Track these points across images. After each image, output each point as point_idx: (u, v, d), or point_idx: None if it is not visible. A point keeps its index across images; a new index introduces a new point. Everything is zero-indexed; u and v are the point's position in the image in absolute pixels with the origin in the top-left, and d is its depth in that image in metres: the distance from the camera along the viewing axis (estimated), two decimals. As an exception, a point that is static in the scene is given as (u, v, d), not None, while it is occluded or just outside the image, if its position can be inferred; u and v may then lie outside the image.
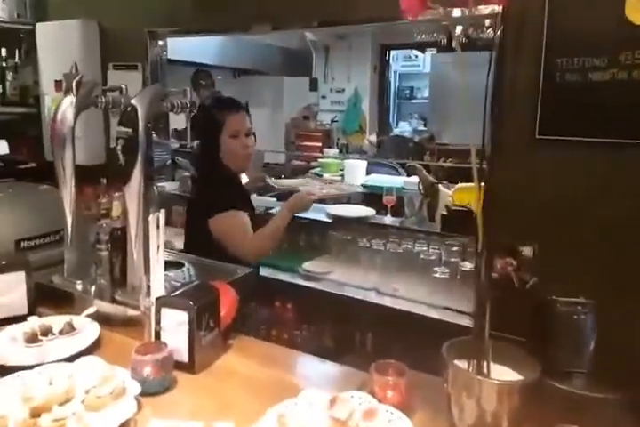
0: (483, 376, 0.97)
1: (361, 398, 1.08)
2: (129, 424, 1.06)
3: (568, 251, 1.83)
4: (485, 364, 0.99)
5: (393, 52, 6.46)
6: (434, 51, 5.77)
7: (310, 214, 2.64)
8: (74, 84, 1.45)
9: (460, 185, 2.79)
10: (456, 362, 0.99)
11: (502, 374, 1.00)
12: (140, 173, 1.38)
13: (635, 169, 1.74)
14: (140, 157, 1.37)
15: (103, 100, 1.52)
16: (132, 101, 1.36)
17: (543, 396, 0.96)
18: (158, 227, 1.33)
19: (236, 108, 2.15)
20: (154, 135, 2.69)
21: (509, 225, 1.66)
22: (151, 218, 1.33)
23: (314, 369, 1.30)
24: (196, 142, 2.17)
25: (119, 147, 1.41)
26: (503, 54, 1.89)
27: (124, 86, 1.52)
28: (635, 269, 1.74)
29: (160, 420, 1.04)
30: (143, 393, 1.14)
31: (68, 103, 1.47)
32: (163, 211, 1.34)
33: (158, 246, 1.33)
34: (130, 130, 1.38)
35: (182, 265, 1.77)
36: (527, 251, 1.95)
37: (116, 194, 1.49)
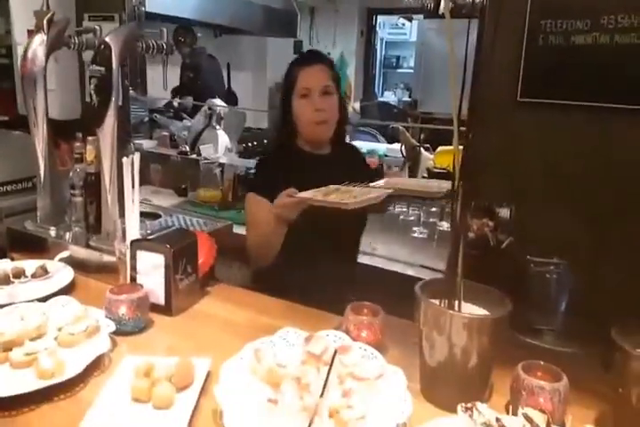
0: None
1: (336, 336, 1.09)
2: (103, 361, 1.07)
3: (544, 213, 1.85)
4: (457, 302, 1.00)
5: (380, 19, 6.37)
6: (421, 18, 5.69)
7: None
8: (45, 21, 1.39)
9: (440, 148, 2.80)
10: (426, 298, 1.00)
11: (473, 312, 1.01)
12: (113, 115, 1.35)
13: (614, 133, 1.74)
14: (113, 98, 1.33)
15: (76, 40, 1.47)
16: (106, 39, 1.32)
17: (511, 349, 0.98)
18: (133, 170, 1.31)
19: (312, 59, 1.66)
20: (131, 91, 2.64)
21: (488, 187, 1.68)
22: (125, 161, 1.30)
23: (292, 313, 1.30)
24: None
25: (92, 87, 1.37)
26: (487, 16, 1.87)
27: (97, 27, 1.47)
28: (607, 232, 1.77)
29: (135, 356, 1.04)
30: (118, 333, 1.14)
31: (39, 41, 1.42)
32: (138, 153, 1.31)
33: (133, 190, 1.31)
34: (103, 69, 1.33)
35: (159, 216, 1.75)
36: (504, 212, 1.97)
37: (90, 138, 1.46)
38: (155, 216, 1.73)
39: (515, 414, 0.86)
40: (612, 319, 1.11)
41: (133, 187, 1.30)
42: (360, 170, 1.74)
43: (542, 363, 0.98)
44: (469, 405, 0.90)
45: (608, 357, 0.92)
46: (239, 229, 2.45)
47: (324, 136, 1.64)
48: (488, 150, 1.85)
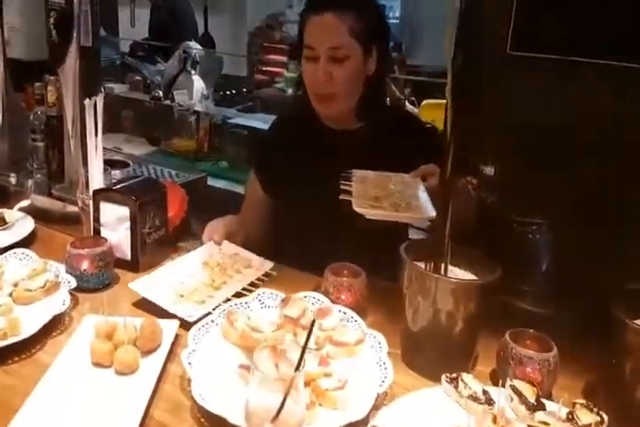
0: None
1: (314, 298, 1.03)
2: (63, 319, 0.99)
3: (527, 172, 1.80)
4: (443, 265, 0.94)
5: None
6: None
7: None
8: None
9: (426, 102, 2.70)
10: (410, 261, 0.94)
11: (460, 276, 0.95)
12: (75, 52, 1.21)
13: (602, 91, 1.67)
14: (75, 33, 1.20)
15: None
16: (67, -36, 1.17)
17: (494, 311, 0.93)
18: (96, 114, 1.19)
19: (320, 4, 1.19)
20: (102, 31, 2.45)
21: (472, 144, 1.60)
22: (87, 103, 1.18)
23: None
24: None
25: (51, 20, 1.23)
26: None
27: (58, -50, 1.31)
28: (589, 193, 1.73)
29: (96, 315, 0.97)
30: (80, 289, 1.06)
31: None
32: (101, 95, 1.19)
33: (96, 134, 1.20)
34: (63, 1, 1.19)
35: (127, 165, 1.64)
36: (488, 170, 1.91)
37: (50, 78, 1.32)
38: (123, 165, 1.62)
39: (502, 385, 0.81)
40: (596, 281, 1.05)
41: (97, 132, 1.19)
42: (405, 150, 1.20)
43: (531, 331, 0.93)
44: (454, 375, 0.85)
45: (595, 323, 0.88)
46: (215, 182, 2.37)
47: (331, 113, 1.25)
48: (475, 106, 1.78)
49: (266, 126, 2.60)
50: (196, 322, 0.95)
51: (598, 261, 1.51)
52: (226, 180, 2.47)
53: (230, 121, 2.80)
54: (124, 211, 1.14)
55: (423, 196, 1.07)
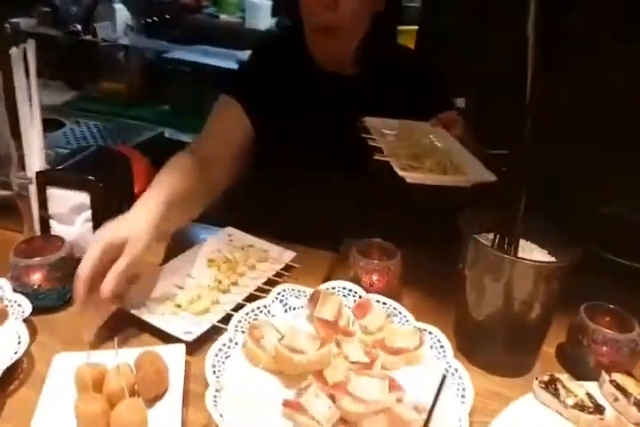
0: (509, 255, 0.74)
1: (345, 288, 0.83)
2: (20, 364, 0.71)
3: (501, 101, 1.65)
4: (513, 245, 0.75)
5: None
6: None
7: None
8: None
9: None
10: (476, 237, 0.75)
11: (530, 252, 0.77)
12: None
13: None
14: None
15: None
16: None
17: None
18: (27, 66, 0.88)
19: None
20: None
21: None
22: (14, 53, 0.87)
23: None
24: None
25: None
26: None
27: None
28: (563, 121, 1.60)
29: (70, 353, 0.71)
30: (35, 310, 0.77)
31: None
32: (32, 41, 0.88)
33: (30, 96, 0.90)
34: None
35: (62, 125, 1.33)
36: (460, 101, 1.75)
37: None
38: (57, 125, 1.31)
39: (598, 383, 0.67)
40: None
41: (31, 92, 0.89)
42: (412, 97, 1.05)
43: (610, 306, 0.78)
44: (547, 378, 0.69)
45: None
46: (172, 134, 1.99)
47: (329, 50, 1.03)
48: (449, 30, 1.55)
49: (210, 61, 2.25)
50: (199, 340, 0.74)
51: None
52: (170, 128, 2.14)
53: (166, 56, 2.42)
54: (81, 197, 0.87)
55: (465, 152, 0.87)
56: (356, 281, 0.85)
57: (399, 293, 0.88)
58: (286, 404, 0.63)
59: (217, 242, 0.95)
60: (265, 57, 1.12)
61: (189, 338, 0.74)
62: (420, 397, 0.65)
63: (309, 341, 0.69)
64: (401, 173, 0.75)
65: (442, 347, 0.75)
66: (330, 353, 0.68)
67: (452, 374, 0.70)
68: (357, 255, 0.85)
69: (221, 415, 0.61)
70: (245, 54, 2.44)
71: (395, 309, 0.81)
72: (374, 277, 0.84)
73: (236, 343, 0.72)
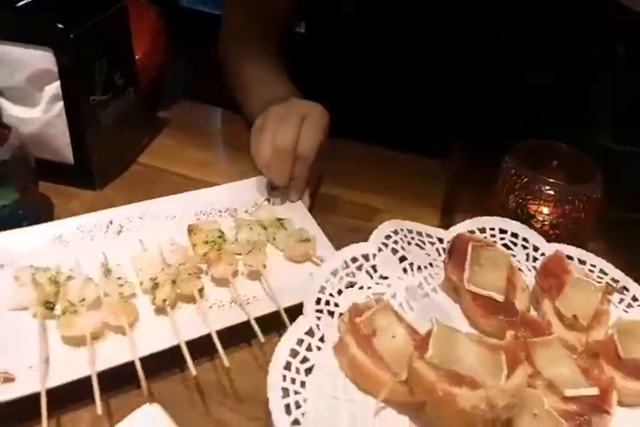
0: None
1: (503, 231, 0.47)
2: None
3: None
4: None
5: None
6: None
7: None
8: None
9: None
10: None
11: None
12: None
13: None
14: None
15: None
16: None
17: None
18: None
19: None
20: None
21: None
22: None
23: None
24: None
25: None
26: None
27: None
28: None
29: None
30: None
31: None
32: None
33: None
34: None
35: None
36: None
37: None
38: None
39: None
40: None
41: None
42: None
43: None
44: None
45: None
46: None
47: None
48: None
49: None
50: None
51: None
52: None
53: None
54: (45, 59, 0.50)
55: None
56: (520, 219, 0.48)
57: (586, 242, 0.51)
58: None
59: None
60: None
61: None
62: None
63: (477, 350, 0.33)
64: None
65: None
66: (525, 382, 0.33)
67: None
68: (526, 170, 0.47)
69: None
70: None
71: (606, 274, 0.44)
72: (559, 214, 0.47)
73: (322, 340, 0.37)
